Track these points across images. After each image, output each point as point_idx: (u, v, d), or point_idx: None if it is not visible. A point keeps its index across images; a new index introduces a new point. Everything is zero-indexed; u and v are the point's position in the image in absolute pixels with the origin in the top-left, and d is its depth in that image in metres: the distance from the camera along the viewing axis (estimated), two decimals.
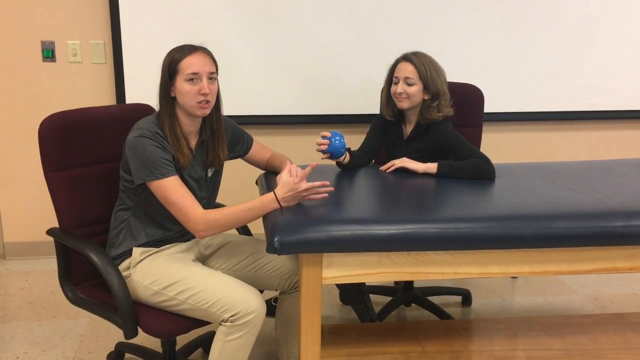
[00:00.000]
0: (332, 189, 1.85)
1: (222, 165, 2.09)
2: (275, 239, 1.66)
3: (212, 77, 1.88)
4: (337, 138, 2.18)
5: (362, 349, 2.13)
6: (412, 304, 2.90)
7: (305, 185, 1.78)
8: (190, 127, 1.93)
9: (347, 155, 2.28)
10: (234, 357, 1.82)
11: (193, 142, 1.96)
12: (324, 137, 2.19)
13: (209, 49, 1.90)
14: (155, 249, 1.95)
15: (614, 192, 2.03)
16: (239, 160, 2.24)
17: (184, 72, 1.83)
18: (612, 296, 3.05)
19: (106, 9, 3.11)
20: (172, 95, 1.87)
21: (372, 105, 3.31)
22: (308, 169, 1.82)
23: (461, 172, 2.18)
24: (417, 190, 2.04)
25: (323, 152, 2.20)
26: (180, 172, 1.90)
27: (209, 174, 2.02)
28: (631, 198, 1.96)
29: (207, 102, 1.87)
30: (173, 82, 1.85)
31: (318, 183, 1.80)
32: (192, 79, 1.83)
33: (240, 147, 2.17)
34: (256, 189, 2.33)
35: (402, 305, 2.90)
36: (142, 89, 3.17)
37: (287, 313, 2.13)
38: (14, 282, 3.10)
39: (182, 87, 1.84)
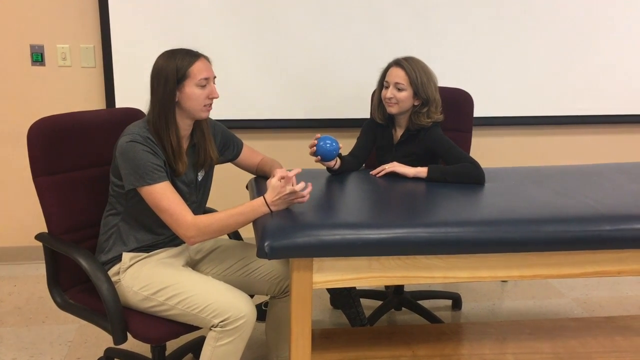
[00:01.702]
0: (309, 187, 1.84)
1: (212, 168, 2.09)
2: (266, 244, 1.66)
3: (214, 81, 1.93)
4: (328, 142, 2.18)
5: (353, 353, 2.13)
6: (403, 308, 2.90)
7: (290, 188, 1.78)
8: (185, 132, 1.94)
9: (338, 160, 2.28)
10: None
11: (185, 147, 1.96)
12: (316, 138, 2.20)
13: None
14: (145, 254, 1.94)
15: (602, 196, 2.04)
16: (230, 164, 2.23)
17: (196, 77, 1.85)
18: (601, 299, 3.06)
19: (96, 12, 3.10)
20: (176, 100, 1.87)
21: (362, 110, 3.31)
22: (293, 172, 1.82)
23: (451, 177, 2.19)
24: (407, 195, 2.05)
25: (314, 154, 2.20)
26: (172, 177, 1.89)
27: (199, 177, 2.02)
28: (619, 202, 1.98)
29: (211, 104, 1.92)
30: (180, 88, 1.85)
31: (300, 186, 1.80)
32: (203, 85, 1.86)
33: (230, 152, 2.17)
34: (247, 193, 2.33)
35: (393, 309, 2.90)
36: (132, 93, 3.16)
37: (278, 318, 2.13)
38: (1, 287, 3.07)
39: (193, 92, 1.85)
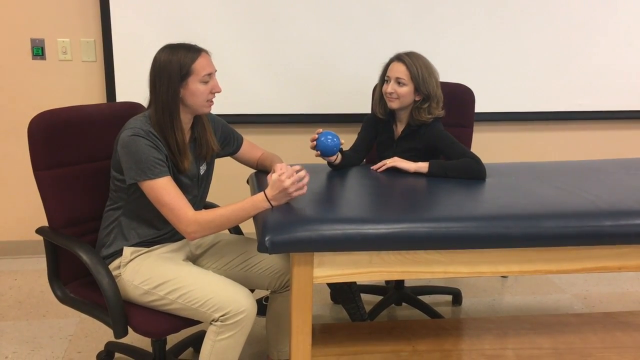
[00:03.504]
0: (307, 177, 1.83)
1: (213, 160, 2.09)
2: (266, 238, 1.66)
3: (215, 74, 1.93)
4: (329, 137, 2.18)
5: (353, 348, 2.13)
6: (403, 303, 2.91)
7: (289, 181, 1.78)
8: (187, 126, 1.94)
9: (339, 155, 2.28)
10: (225, 356, 1.82)
11: (187, 142, 1.96)
12: (318, 133, 2.20)
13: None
14: (146, 249, 1.94)
15: (603, 191, 2.04)
16: (231, 159, 2.23)
17: (200, 73, 1.84)
18: (601, 295, 3.07)
19: (96, 6, 3.10)
20: (180, 97, 1.87)
21: (363, 105, 3.31)
22: (295, 168, 1.82)
23: (452, 172, 2.19)
24: (408, 190, 2.05)
25: (315, 149, 2.21)
26: (175, 173, 1.89)
27: (202, 171, 2.02)
28: (620, 198, 1.97)
29: (213, 99, 1.92)
30: (184, 85, 1.85)
31: (302, 174, 1.80)
32: (206, 81, 1.86)
33: (230, 146, 2.17)
34: (247, 188, 2.33)
35: (393, 305, 2.91)
36: (133, 87, 3.15)
37: (278, 312, 2.13)
38: (2, 281, 3.08)
39: (197, 88, 1.85)
